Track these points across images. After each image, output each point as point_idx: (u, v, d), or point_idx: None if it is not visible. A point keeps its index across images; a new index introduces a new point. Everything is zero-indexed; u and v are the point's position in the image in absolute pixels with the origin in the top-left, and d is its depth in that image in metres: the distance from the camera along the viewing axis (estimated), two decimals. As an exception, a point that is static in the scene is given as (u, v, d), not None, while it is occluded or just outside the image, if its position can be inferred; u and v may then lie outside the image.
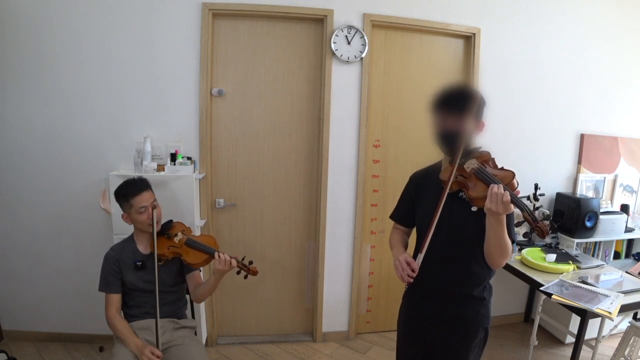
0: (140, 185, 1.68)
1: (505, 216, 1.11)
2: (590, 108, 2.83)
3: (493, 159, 1.22)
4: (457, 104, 1.22)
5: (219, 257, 1.62)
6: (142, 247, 1.72)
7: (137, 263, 1.67)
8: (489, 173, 1.16)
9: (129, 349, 1.55)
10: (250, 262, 1.71)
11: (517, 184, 1.15)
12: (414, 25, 2.43)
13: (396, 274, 1.28)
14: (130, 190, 1.65)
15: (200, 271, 1.85)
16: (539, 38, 2.64)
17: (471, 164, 1.18)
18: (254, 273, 1.69)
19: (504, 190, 1.07)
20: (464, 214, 1.24)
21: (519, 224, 1.16)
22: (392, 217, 1.54)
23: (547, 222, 1.04)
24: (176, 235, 1.72)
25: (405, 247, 1.48)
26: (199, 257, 1.69)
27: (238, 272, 1.68)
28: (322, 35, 2.35)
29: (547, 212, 2.70)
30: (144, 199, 1.65)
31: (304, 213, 2.56)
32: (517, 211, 1.14)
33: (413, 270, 1.23)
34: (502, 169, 1.19)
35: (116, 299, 1.66)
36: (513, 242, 1.23)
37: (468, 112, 1.21)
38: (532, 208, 2.60)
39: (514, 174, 1.15)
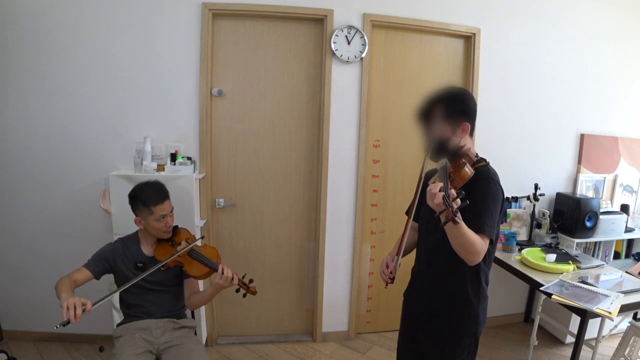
0: (162, 193, 1.67)
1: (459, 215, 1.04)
2: (590, 108, 2.84)
3: (469, 154, 1.21)
4: (421, 116, 1.29)
5: (222, 272, 1.59)
6: (146, 249, 1.72)
7: (139, 264, 1.67)
8: (445, 171, 1.12)
9: (60, 303, 1.38)
10: (251, 281, 1.69)
11: (470, 173, 1.14)
12: (414, 25, 2.43)
13: (380, 273, 1.42)
14: (152, 198, 1.63)
15: None
16: (539, 38, 2.64)
17: (441, 163, 1.17)
18: (253, 293, 1.67)
19: (440, 190, 1.03)
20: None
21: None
22: (406, 212, 1.53)
23: (456, 209, 1.01)
24: (180, 243, 1.71)
25: (410, 247, 1.50)
26: (200, 270, 1.67)
27: (237, 290, 1.66)
28: (322, 35, 2.35)
29: (547, 211, 2.71)
30: (165, 207, 1.65)
31: (304, 213, 2.56)
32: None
33: (391, 272, 1.35)
34: (462, 162, 1.17)
35: (85, 274, 1.60)
36: (489, 237, 1.19)
37: (435, 121, 1.24)
38: (532, 208, 2.64)
39: (464, 164, 1.15)
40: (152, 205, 1.62)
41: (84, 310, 1.34)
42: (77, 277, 1.58)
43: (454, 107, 1.25)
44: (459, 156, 1.22)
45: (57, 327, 1.31)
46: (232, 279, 1.59)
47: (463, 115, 1.25)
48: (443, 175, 1.11)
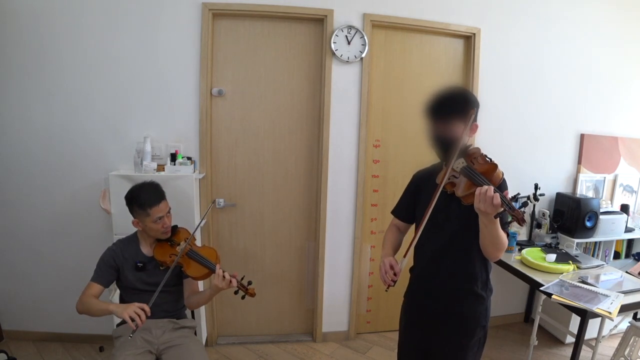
0: (158, 195, 1.65)
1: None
2: (590, 108, 2.84)
3: (482, 154, 1.22)
4: (445, 111, 1.25)
5: (220, 274, 1.57)
6: (145, 249, 1.71)
7: (139, 264, 1.67)
8: (475, 171, 1.17)
9: (118, 316, 1.46)
10: (250, 283, 1.67)
11: (502, 174, 1.17)
12: (414, 25, 2.43)
13: (379, 275, 1.34)
14: (147, 200, 1.60)
15: None
16: (539, 38, 2.64)
17: (460, 164, 1.20)
18: (252, 295, 1.65)
19: (495, 191, 1.06)
20: (458, 211, 1.26)
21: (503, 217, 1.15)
22: (392, 212, 1.57)
23: (523, 210, 1.06)
24: (179, 244, 1.70)
25: (397, 247, 1.50)
26: (199, 271, 1.66)
27: (236, 292, 1.64)
28: (322, 35, 2.35)
29: (547, 211, 2.71)
30: (162, 209, 1.63)
31: (304, 213, 2.56)
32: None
33: (395, 274, 1.30)
34: (489, 162, 1.20)
35: (97, 289, 1.61)
36: (507, 235, 1.25)
37: (456, 119, 1.23)
38: (532, 208, 2.64)
39: (496, 166, 1.17)
40: (148, 207, 1.60)
41: (146, 314, 1.44)
42: (93, 293, 1.60)
43: (473, 105, 1.26)
44: (472, 156, 1.22)
45: (130, 336, 1.44)
46: (231, 281, 1.57)
47: (475, 114, 1.27)
48: (475, 177, 1.13)
